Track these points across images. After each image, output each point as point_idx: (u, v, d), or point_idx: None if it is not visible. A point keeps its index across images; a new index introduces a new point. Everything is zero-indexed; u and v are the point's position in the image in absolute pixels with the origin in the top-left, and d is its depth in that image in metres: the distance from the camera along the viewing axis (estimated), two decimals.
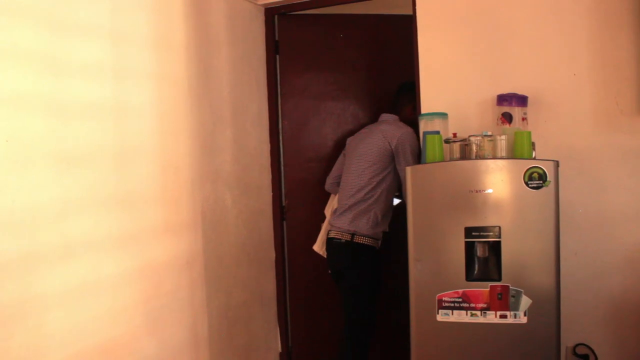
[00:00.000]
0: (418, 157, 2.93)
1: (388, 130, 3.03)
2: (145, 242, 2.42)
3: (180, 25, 2.69)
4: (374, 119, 3.35)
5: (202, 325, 2.78)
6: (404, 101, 3.23)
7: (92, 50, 2.19)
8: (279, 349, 3.53)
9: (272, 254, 3.44)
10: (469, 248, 2.43)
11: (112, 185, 2.25)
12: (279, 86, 3.49)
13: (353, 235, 3.00)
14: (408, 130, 3.01)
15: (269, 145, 3.45)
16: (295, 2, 3.36)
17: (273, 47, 3.48)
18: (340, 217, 3.06)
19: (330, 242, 3.10)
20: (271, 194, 3.46)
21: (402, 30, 3.17)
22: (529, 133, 2.52)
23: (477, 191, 2.41)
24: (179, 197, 2.64)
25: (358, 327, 3.04)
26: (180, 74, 2.69)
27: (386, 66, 3.43)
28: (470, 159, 2.54)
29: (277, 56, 3.49)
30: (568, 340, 2.65)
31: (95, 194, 2.17)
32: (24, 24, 1.89)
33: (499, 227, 2.39)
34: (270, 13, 3.46)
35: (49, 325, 1.96)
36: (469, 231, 2.42)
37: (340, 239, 3.03)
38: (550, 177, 2.35)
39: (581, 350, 2.73)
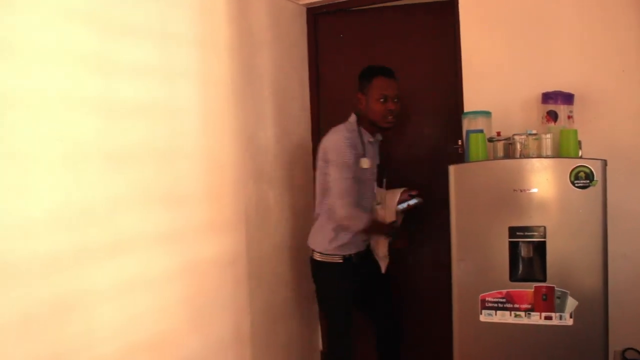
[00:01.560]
0: (344, 168, 2.66)
1: (327, 134, 2.82)
2: (191, 240, 2.46)
3: (224, 25, 2.73)
4: (416, 118, 3.31)
5: (244, 322, 2.82)
6: (356, 92, 2.83)
7: (141, 51, 2.24)
8: (320, 348, 3.55)
9: None
10: (513, 248, 2.40)
11: (160, 183, 2.30)
12: (320, 85, 3.50)
13: (312, 252, 2.89)
14: (334, 137, 2.73)
15: (311, 144, 3.47)
16: (337, 1, 3.37)
17: (315, 46, 3.50)
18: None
19: None
20: (313, 193, 3.47)
21: (444, 19, 3.13)
22: (575, 131, 2.47)
23: (521, 190, 2.38)
24: (223, 195, 2.68)
25: None
26: (225, 74, 2.73)
27: (428, 59, 3.33)
28: (514, 157, 2.51)
29: (319, 55, 3.50)
30: (616, 344, 2.59)
31: (144, 192, 2.22)
32: (75, 26, 1.95)
33: (544, 227, 2.36)
34: (312, 12, 3.48)
35: (98, 318, 2.02)
36: (513, 231, 2.39)
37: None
38: (597, 176, 2.30)
39: (630, 355, 2.66)
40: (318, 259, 2.85)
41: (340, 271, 2.82)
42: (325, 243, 2.81)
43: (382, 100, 2.70)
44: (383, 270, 2.93)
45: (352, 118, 2.80)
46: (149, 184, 2.25)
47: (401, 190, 2.95)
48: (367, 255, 2.91)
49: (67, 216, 1.90)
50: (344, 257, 2.80)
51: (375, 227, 2.80)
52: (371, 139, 2.81)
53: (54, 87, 1.87)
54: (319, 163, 2.78)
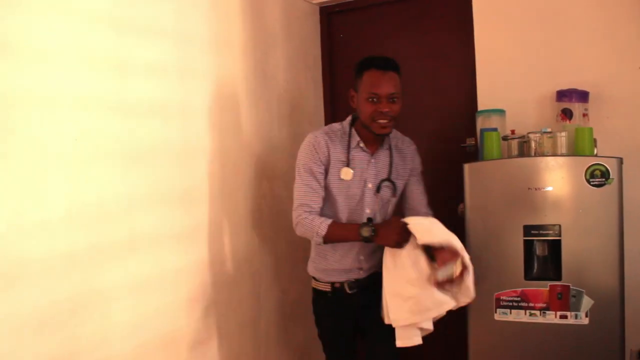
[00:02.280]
0: (302, 172, 2.31)
1: None
2: (205, 238, 2.48)
3: (237, 25, 2.74)
4: (430, 115, 3.30)
5: (258, 320, 2.83)
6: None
7: (156, 51, 2.26)
8: None
9: None
10: (528, 246, 2.40)
11: (175, 182, 2.32)
12: (334, 84, 3.51)
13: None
14: (307, 137, 2.37)
15: None
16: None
17: (328, 46, 3.50)
18: None
19: None
20: None
21: (459, 14, 3.11)
22: (591, 129, 2.46)
23: (536, 189, 2.37)
24: (237, 194, 2.70)
25: None
26: (239, 74, 2.74)
27: (442, 55, 3.27)
28: (529, 156, 2.50)
29: (333, 54, 3.51)
30: (633, 343, 2.57)
31: (158, 191, 2.24)
32: (90, 26, 1.97)
33: (559, 226, 2.35)
34: (325, 11, 3.48)
35: (114, 316, 2.04)
36: (528, 229, 2.38)
37: None
38: (613, 174, 2.29)
39: None
40: (312, 284, 2.51)
41: (325, 305, 2.46)
42: (310, 266, 2.50)
43: (371, 99, 2.21)
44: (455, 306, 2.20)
45: (348, 119, 2.39)
46: (164, 183, 2.27)
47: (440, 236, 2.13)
48: (369, 284, 2.37)
49: (82, 215, 1.92)
50: (333, 287, 2.40)
51: (340, 232, 2.24)
52: (362, 145, 2.31)
53: (70, 87, 1.89)
54: None
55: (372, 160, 2.33)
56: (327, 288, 2.40)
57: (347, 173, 2.28)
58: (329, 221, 2.22)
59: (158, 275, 2.24)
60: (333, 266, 2.38)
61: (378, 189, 2.33)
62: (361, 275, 2.38)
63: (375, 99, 2.20)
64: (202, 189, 2.48)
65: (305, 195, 2.26)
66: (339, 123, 2.39)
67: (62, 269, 1.84)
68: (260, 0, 2.91)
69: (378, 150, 2.35)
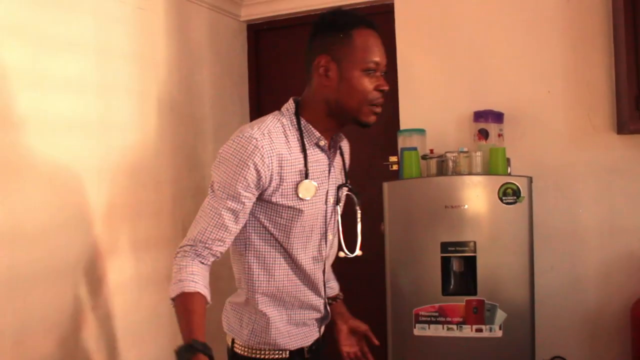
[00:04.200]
0: (223, 195, 1.45)
1: None
2: (128, 256, 2.44)
3: (162, 41, 2.72)
4: (352, 133, 3.35)
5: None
6: (312, 55, 1.53)
7: (76, 66, 2.22)
8: None
9: None
10: (445, 263, 2.47)
11: (95, 200, 2.27)
12: (260, 101, 3.52)
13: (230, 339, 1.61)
14: (229, 141, 1.46)
15: None
16: (277, 18, 3.41)
17: (255, 63, 3.52)
18: None
19: None
20: None
21: (381, 35, 3.16)
22: (504, 149, 2.58)
23: (452, 207, 2.46)
24: (161, 212, 2.66)
25: None
26: (163, 90, 2.72)
27: None
28: (446, 175, 2.58)
29: (260, 72, 3.53)
30: (544, 353, 2.68)
31: (77, 211, 2.19)
32: (7, 41, 1.92)
33: (475, 242, 2.44)
34: (252, 29, 3.50)
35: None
36: (445, 246, 2.46)
37: None
38: (524, 192, 2.40)
39: None
40: (239, 351, 1.58)
41: None
42: (240, 328, 1.58)
43: (368, 71, 1.49)
44: None
45: (289, 106, 1.56)
46: (84, 202, 2.22)
47: None
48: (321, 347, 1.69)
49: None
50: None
51: (184, 314, 1.39)
52: (323, 143, 1.53)
53: None
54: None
55: (332, 164, 1.59)
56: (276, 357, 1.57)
57: (308, 189, 1.49)
58: (197, 289, 1.40)
59: (54, 307, 2.18)
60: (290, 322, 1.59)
61: (337, 201, 1.64)
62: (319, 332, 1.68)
63: (374, 71, 1.50)
64: (122, 207, 2.44)
65: (212, 231, 1.45)
66: (273, 115, 1.54)
67: None
68: (186, 17, 2.90)
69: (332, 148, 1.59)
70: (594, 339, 2.73)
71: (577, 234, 2.74)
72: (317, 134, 1.52)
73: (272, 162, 1.42)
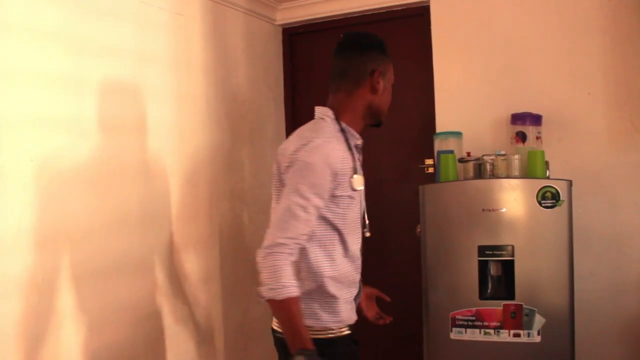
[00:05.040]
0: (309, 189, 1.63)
1: (290, 140, 1.82)
2: (164, 258, 2.47)
3: (199, 46, 2.76)
4: (387, 138, 3.35)
5: (218, 339, 2.82)
6: (360, 70, 1.81)
7: (115, 71, 2.26)
8: None
9: None
10: (483, 267, 2.45)
11: (134, 202, 2.31)
12: (295, 104, 3.54)
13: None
14: (316, 150, 1.67)
15: None
16: (312, 21, 3.43)
17: (290, 67, 3.54)
18: None
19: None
20: None
21: (419, 38, 3.17)
22: (542, 152, 2.54)
23: (490, 210, 2.43)
24: (197, 214, 2.70)
25: None
26: (200, 94, 2.76)
27: (403, 73, 3.30)
28: (483, 178, 2.56)
29: (295, 75, 3.55)
30: (583, 359, 2.64)
31: (117, 211, 2.23)
32: (48, 47, 1.97)
33: (512, 246, 2.41)
34: (287, 33, 3.52)
35: (66, 343, 2.02)
36: (482, 250, 2.44)
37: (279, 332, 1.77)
38: (563, 196, 2.37)
39: None
40: (319, 336, 1.71)
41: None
42: (313, 314, 1.73)
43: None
44: None
45: (328, 112, 1.81)
46: (123, 203, 2.26)
47: None
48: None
49: (39, 236, 1.91)
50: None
51: (295, 314, 1.61)
52: (360, 142, 1.83)
53: (26, 108, 1.88)
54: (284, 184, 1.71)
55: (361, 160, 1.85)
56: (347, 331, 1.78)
57: (360, 182, 1.74)
58: (298, 293, 1.60)
59: (115, 298, 2.22)
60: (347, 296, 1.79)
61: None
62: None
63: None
64: (162, 209, 2.48)
65: (302, 228, 1.62)
66: (320, 122, 1.80)
67: (16, 291, 1.82)
68: (222, 21, 2.94)
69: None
70: (634, 346, 2.67)
71: (618, 239, 2.68)
72: (357, 135, 1.80)
73: (337, 162, 1.66)
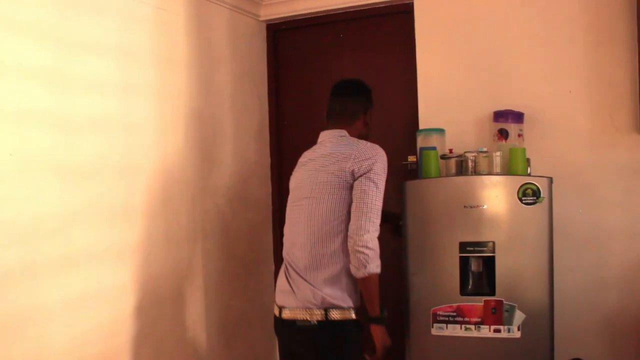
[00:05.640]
0: (382, 190, 2.12)
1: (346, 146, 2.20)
2: (146, 254, 2.46)
3: (182, 41, 2.75)
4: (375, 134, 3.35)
5: (200, 336, 2.82)
6: (357, 109, 2.30)
7: (97, 66, 2.25)
8: None
9: (272, 267, 3.47)
10: (464, 263, 2.47)
11: (114, 197, 2.30)
12: (279, 101, 3.54)
13: (326, 310, 2.08)
14: (381, 151, 2.18)
15: (270, 159, 3.50)
16: (296, 17, 3.42)
17: (274, 62, 3.53)
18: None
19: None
20: (271, 207, 3.50)
21: (402, 35, 3.19)
22: (524, 149, 2.56)
23: (472, 207, 2.45)
24: (179, 210, 2.69)
25: None
26: (182, 90, 2.74)
27: (386, 70, 3.33)
28: (465, 174, 2.58)
29: (279, 71, 3.54)
30: (563, 355, 2.66)
31: (98, 207, 2.22)
32: (29, 41, 1.95)
33: (493, 242, 2.43)
34: (271, 29, 3.52)
35: (49, 334, 2.00)
36: (463, 246, 2.45)
37: (308, 321, 2.09)
38: (544, 193, 2.39)
39: None
40: (339, 317, 2.09)
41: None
42: (343, 294, 2.12)
43: None
44: None
45: (343, 134, 2.27)
46: (103, 198, 2.25)
47: None
48: None
49: (18, 230, 1.89)
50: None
51: (377, 290, 2.12)
52: None
53: (6, 101, 1.86)
54: (357, 178, 2.10)
55: None
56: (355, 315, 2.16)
57: None
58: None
59: (96, 291, 2.21)
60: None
61: None
62: None
63: None
64: (144, 205, 2.47)
65: (380, 215, 2.09)
66: (350, 138, 2.24)
67: None
68: (205, 17, 2.93)
69: None
70: (613, 341, 2.71)
71: (598, 236, 2.72)
72: None
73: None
